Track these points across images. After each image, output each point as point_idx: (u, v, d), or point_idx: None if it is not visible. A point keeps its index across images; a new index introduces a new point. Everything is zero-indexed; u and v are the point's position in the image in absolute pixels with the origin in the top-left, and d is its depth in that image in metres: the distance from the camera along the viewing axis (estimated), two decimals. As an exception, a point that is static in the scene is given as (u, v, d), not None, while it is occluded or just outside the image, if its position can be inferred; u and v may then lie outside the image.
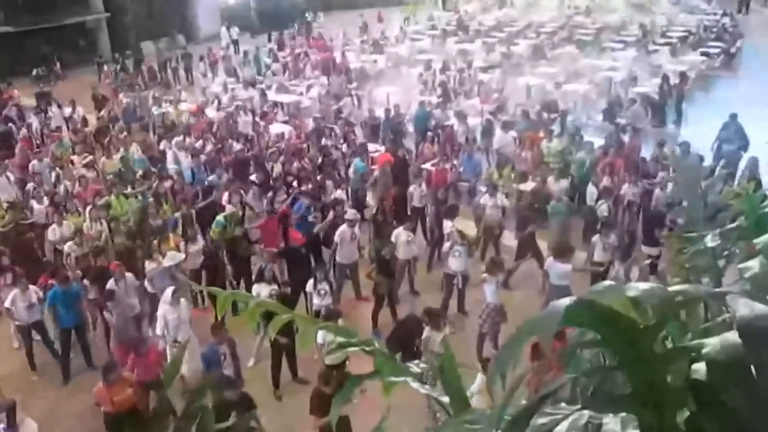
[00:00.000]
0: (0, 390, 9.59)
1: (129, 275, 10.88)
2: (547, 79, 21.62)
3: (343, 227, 11.91)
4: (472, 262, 11.90)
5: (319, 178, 14.61)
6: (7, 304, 10.68)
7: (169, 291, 10.10)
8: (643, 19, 30.30)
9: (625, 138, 16.25)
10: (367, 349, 1.63)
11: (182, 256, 11.47)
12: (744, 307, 1.20)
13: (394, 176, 14.65)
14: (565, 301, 1.20)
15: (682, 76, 20.52)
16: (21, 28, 28.68)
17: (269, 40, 31.41)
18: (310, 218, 12.97)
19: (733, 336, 1.19)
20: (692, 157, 13.75)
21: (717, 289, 1.37)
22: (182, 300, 10.05)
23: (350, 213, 12.35)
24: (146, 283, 11.26)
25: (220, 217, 12.52)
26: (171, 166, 15.83)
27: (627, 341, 1.24)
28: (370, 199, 14.59)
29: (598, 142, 15.81)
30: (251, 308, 1.74)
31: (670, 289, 1.26)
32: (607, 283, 1.28)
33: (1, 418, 8.89)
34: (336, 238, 11.92)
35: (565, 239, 12.03)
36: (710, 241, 2.63)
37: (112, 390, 8.36)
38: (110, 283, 10.64)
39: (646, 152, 15.48)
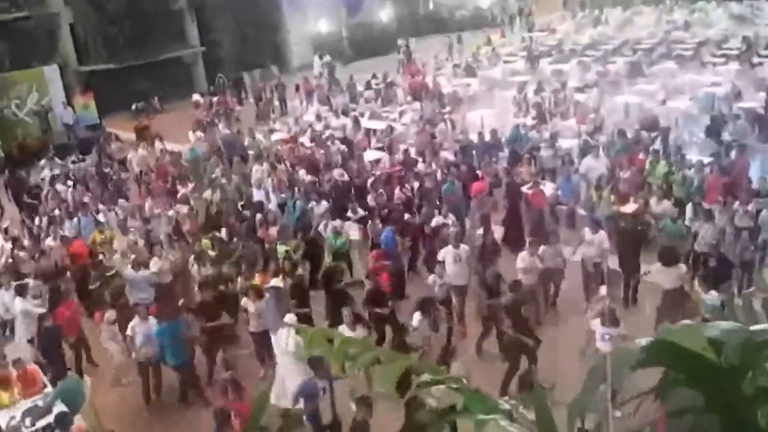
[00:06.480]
0: (100, 421, 9.71)
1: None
2: (645, 96, 21.06)
3: (449, 247, 11.69)
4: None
5: (416, 204, 14.61)
6: (129, 332, 10.42)
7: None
8: (746, 31, 29.12)
9: (731, 155, 15.61)
10: (454, 386, 1.63)
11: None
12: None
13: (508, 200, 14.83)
14: (642, 342, 1.20)
15: (791, 88, 19.60)
16: (123, 64, 30.10)
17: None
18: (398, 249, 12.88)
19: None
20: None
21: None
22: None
23: (463, 249, 11.83)
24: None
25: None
26: (257, 199, 15.86)
27: (712, 382, 1.23)
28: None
29: (703, 160, 15.27)
30: (337, 347, 1.73)
31: (751, 328, 1.24)
32: (685, 322, 1.27)
33: None
34: (440, 257, 11.70)
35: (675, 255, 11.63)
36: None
37: None
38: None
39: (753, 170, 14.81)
